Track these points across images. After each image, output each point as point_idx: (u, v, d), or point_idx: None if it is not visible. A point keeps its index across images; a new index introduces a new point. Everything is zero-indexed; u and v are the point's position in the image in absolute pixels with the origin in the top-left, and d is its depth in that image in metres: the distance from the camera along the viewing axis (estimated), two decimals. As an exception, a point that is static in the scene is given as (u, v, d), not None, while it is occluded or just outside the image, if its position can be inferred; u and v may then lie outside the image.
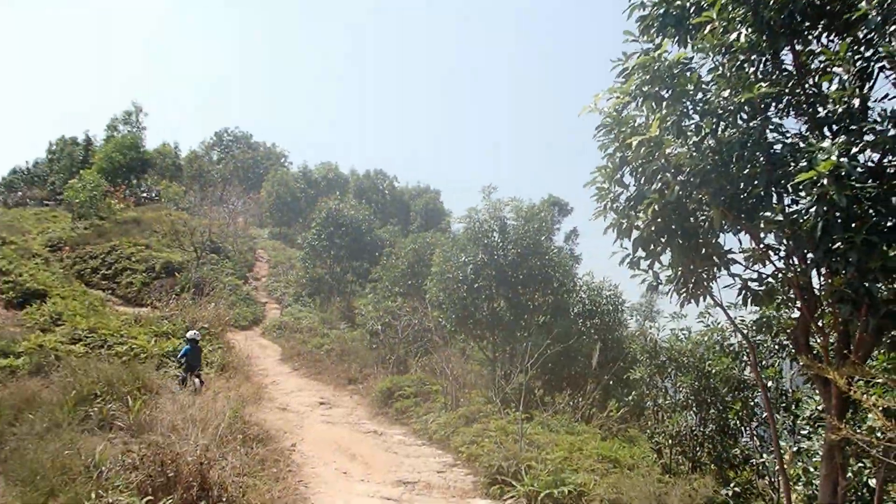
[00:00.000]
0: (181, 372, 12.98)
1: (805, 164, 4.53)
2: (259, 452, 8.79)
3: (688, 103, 5.54)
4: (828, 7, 5.25)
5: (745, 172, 5.10)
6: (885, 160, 4.67)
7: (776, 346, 9.95)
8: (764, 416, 10.76)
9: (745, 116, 5.18)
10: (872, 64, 5.09)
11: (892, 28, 4.75)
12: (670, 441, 11.39)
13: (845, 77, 5.06)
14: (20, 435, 8.30)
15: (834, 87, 5.14)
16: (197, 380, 12.66)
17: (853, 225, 4.45)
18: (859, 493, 6.22)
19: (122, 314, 19.36)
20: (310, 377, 18.29)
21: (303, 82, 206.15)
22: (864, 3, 4.82)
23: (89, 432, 8.63)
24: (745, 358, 10.88)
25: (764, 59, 5.57)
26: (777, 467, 7.81)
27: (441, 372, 14.71)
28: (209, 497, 6.12)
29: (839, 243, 4.47)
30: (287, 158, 56.63)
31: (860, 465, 6.29)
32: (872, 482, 6.14)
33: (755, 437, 11.04)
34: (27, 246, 25.40)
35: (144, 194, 43.82)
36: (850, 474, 5.72)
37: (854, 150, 4.50)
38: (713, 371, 10.93)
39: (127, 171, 45.76)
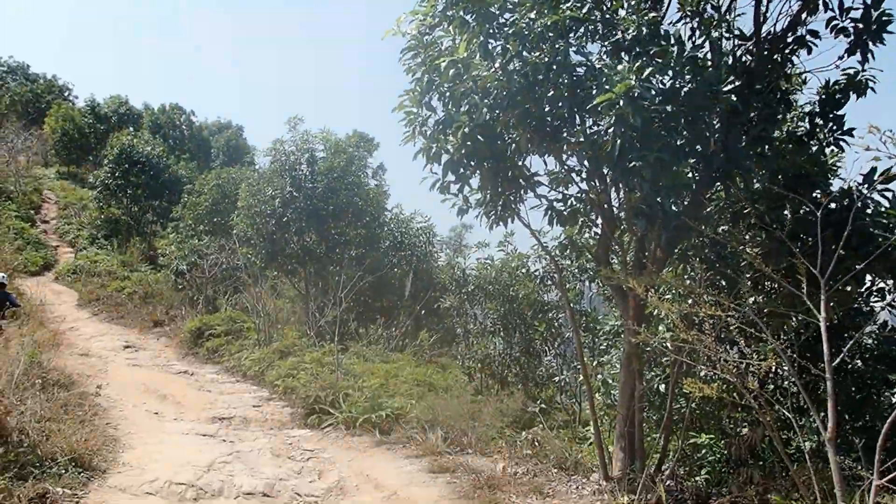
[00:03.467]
0: None
1: (605, 86, 4.72)
2: (61, 397, 8.21)
3: (494, 25, 5.57)
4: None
5: (549, 95, 5.22)
6: (676, 82, 4.96)
7: (578, 270, 10.56)
8: (567, 335, 11.48)
9: (549, 39, 5.29)
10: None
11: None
12: (480, 365, 11.87)
13: (635, 2, 5.30)
14: None
15: (623, 13, 5.38)
16: None
17: (648, 145, 4.71)
18: (651, 399, 6.79)
19: None
20: (112, 321, 17.31)
21: (86, 9, 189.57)
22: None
23: None
24: (548, 282, 11.49)
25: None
26: (580, 380, 8.36)
27: (252, 309, 14.36)
28: (9, 443, 5.67)
29: (635, 162, 4.73)
30: (72, 92, 51.95)
31: (652, 373, 6.86)
32: (662, 388, 6.72)
33: (558, 357, 11.76)
34: None
35: None
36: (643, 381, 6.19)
37: (647, 72, 4.73)
38: (519, 296, 11.45)
39: None
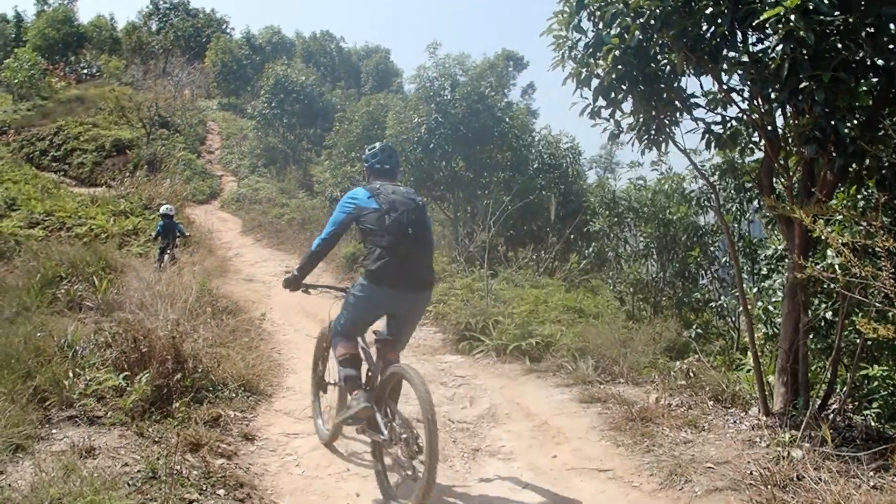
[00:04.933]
0: (159, 247, 12.99)
1: (771, 0, 4.34)
2: (229, 323, 8.80)
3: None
4: None
5: (708, 12, 4.88)
6: (852, -10, 4.48)
7: (735, 192, 10.04)
8: (724, 259, 11.03)
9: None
10: None
11: None
12: (632, 289, 11.66)
13: None
14: (-11, 320, 8.22)
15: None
16: (167, 256, 12.61)
17: (821, 62, 4.32)
18: (817, 327, 6.42)
19: (78, 195, 18.90)
20: (273, 247, 18.20)
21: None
22: None
23: (59, 314, 8.55)
24: (703, 205, 11.01)
25: None
26: (739, 307, 8.02)
27: (403, 234, 14.66)
28: (184, 369, 6.11)
29: (806, 82, 4.35)
30: (228, 24, 53.99)
31: (817, 301, 6.46)
32: (829, 315, 6.34)
33: (714, 281, 11.35)
34: (-32, 130, 24.46)
35: (84, 71, 42.13)
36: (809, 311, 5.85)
37: (821, -18, 4.30)
38: (673, 219, 11.08)
39: (63, 47, 43.71)
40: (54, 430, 4.96)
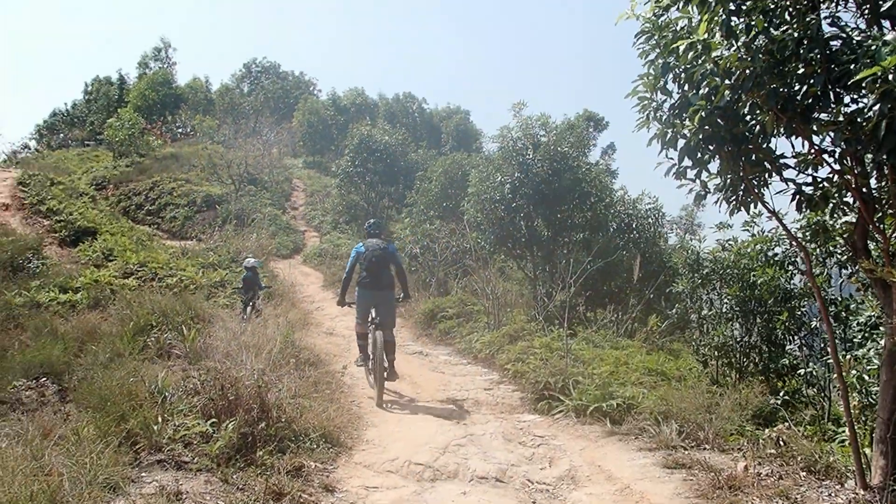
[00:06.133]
0: (242, 300, 13.34)
1: (867, 60, 4.28)
2: (311, 375, 8.95)
3: (736, 1, 5.25)
4: None
5: (800, 72, 4.85)
6: (953, 51, 4.38)
7: (826, 254, 9.73)
8: (813, 325, 10.65)
9: (799, 12, 4.90)
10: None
11: None
12: (716, 353, 11.33)
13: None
14: (86, 365, 8.63)
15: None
16: (250, 307, 12.92)
17: (918, 122, 4.22)
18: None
19: (169, 248, 19.74)
20: (351, 302, 18.45)
21: (326, 9, 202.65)
22: None
23: (149, 361, 8.93)
24: (790, 267, 10.70)
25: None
26: (833, 375, 7.70)
27: (482, 292, 14.73)
28: (269, 418, 6.24)
29: (905, 142, 4.26)
30: (316, 86, 56.40)
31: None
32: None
33: (803, 347, 10.95)
34: (74, 186, 25.96)
35: (180, 130, 44.34)
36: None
37: (919, 42, 4.23)
38: (759, 281, 10.79)
39: (161, 108, 46.16)
40: (143, 473, 5.12)
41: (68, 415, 6.72)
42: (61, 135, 48.49)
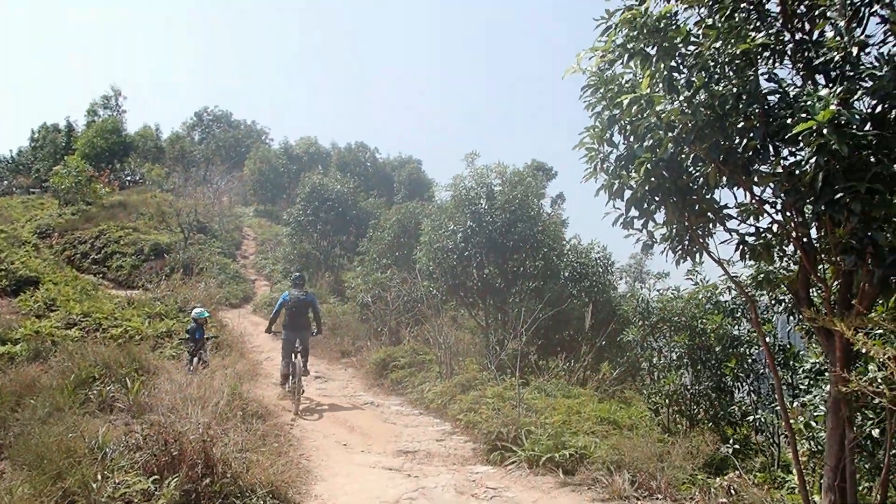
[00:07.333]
0: (189, 350, 13.00)
1: (803, 114, 4.42)
2: (259, 428, 8.75)
3: (677, 58, 5.40)
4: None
5: (739, 126, 4.98)
6: (883, 106, 4.55)
7: (772, 302, 9.91)
8: (760, 371, 10.78)
9: (737, 67, 5.05)
10: (863, 8, 4.94)
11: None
12: (667, 401, 11.39)
13: (840, 23, 4.92)
14: (23, 420, 8.30)
15: (829, 34, 5.00)
16: (196, 359, 12.61)
17: (854, 174, 4.36)
18: (863, 445, 6.20)
19: (115, 297, 19.20)
20: (303, 352, 18.21)
21: (278, 59, 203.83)
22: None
23: (90, 415, 8.59)
24: (738, 315, 10.86)
25: (750, 6, 5.40)
26: (781, 422, 7.78)
27: (434, 341, 14.65)
28: (214, 473, 6.07)
29: (841, 193, 4.38)
30: (268, 135, 56.16)
31: (862, 417, 6.26)
32: (875, 433, 6.13)
33: (752, 394, 11.06)
34: (17, 234, 25.40)
35: (129, 178, 43.64)
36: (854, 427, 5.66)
37: (854, 97, 4.39)
38: (707, 329, 10.92)
39: (110, 156, 45.40)
40: (80, 536, 4.90)
41: (2, 473, 6.46)
42: (5, 182, 47.50)
